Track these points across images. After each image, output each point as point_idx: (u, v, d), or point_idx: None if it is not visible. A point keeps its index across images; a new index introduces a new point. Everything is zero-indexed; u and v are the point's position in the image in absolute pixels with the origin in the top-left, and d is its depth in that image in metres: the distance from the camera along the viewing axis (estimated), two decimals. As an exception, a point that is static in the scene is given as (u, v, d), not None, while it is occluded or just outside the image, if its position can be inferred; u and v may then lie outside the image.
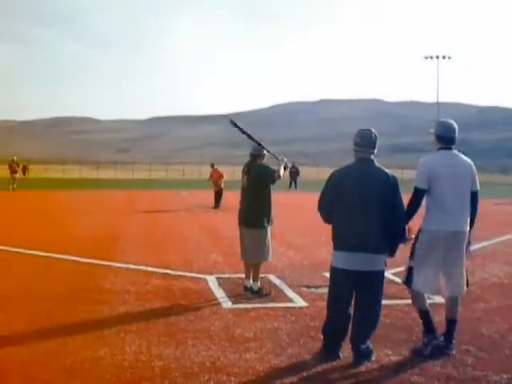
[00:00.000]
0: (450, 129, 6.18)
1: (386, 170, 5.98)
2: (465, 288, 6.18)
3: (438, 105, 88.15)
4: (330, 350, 5.95)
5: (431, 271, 6.03)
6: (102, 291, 8.76)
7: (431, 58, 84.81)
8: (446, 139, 6.16)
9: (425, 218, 6.14)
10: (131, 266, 10.79)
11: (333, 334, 5.98)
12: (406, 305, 7.47)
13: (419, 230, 6.16)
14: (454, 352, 6.01)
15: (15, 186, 40.72)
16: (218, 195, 27.04)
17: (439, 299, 8.19)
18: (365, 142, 6.03)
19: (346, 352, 5.95)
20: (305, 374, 5.45)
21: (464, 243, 6.09)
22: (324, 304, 6.50)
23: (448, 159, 6.11)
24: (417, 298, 6.23)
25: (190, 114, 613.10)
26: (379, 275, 5.88)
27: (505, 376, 5.41)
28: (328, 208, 6.03)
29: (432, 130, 6.34)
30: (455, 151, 6.19)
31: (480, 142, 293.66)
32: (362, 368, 5.60)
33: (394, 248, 5.95)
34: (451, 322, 6.16)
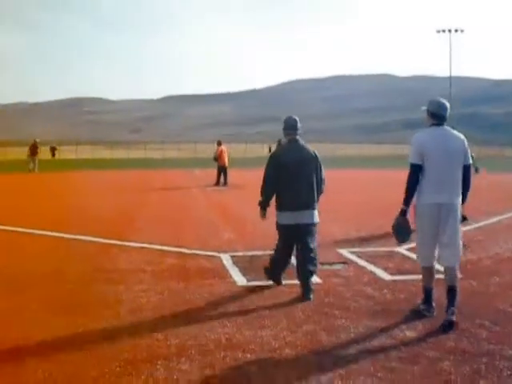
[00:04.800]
0: (443, 107, 6.40)
1: (310, 147, 7.67)
2: (459, 259, 6.43)
3: (451, 79, 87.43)
4: (275, 278, 7.84)
5: (429, 243, 6.37)
6: (117, 271, 8.82)
7: (443, 31, 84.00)
8: (438, 116, 6.38)
9: (418, 193, 6.37)
10: (146, 246, 10.85)
11: (277, 264, 7.81)
12: (421, 280, 7.48)
13: (415, 206, 6.42)
14: (454, 318, 6.07)
15: (36, 168, 40.84)
16: (223, 172, 27.19)
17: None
18: (288, 125, 7.72)
19: (359, 328, 6.00)
20: (320, 350, 5.48)
21: (457, 215, 6.30)
22: (338, 280, 7.78)
23: (439, 135, 6.35)
24: (424, 275, 6.62)
25: (201, 93, 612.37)
26: (315, 225, 7.58)
27: (520, 349, 5.42)
28: (272, 182, 7.54)
29: (424, 108, 6.61)
30: (446, 127, 6.42)
31: (492, 115, 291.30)
32: (376, 343, 5.63)
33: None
34: (451, 289, 6.30)
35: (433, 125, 6.43)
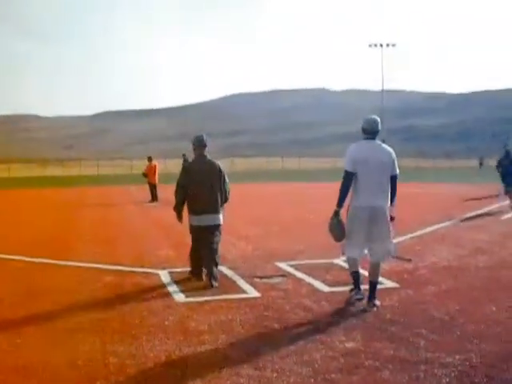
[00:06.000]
0: (375, 124, 7.44)
1: (216, 161, 9.13)
2: (384, 257, 7.53)
3: (383, 92, 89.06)
4: (198, 275, 9.01)
5: (358, 239, 7.28)
6: (53, 291, 8.64)
7: (375, 45, 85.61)
8: (371, 132, 7.43)
9: (352, 197, 7.34)
10: (82, 264, 10.66)
11: (197, 263, 9.02)
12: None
13: (348, 207, 7.38)
14: (374, 309, 7.10)
15: None
16: (153, 188, 27.02)
17: (389, 284, 8.37)
18: (197, 142, 9.10)
19: (298, 341, 6.02)
20: (261, 364, 5.46)
21: (385, 217, 7.30)
22: (277, 294, 7.91)
23: (371, 147, 7.39)
24: (349, 262, 7.56)
25: (136, 109, 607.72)
26: (219, 226, 9.05)
27: (457, 357, 5.50)
28: (184, 190, 8.97)
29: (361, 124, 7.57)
30: (377, 141, 7.47)
31: (425, 127, 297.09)
32: (317, 355, 5.64)
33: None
34: (373, 284, 7.35)
35: (366, 138, 7.43)
